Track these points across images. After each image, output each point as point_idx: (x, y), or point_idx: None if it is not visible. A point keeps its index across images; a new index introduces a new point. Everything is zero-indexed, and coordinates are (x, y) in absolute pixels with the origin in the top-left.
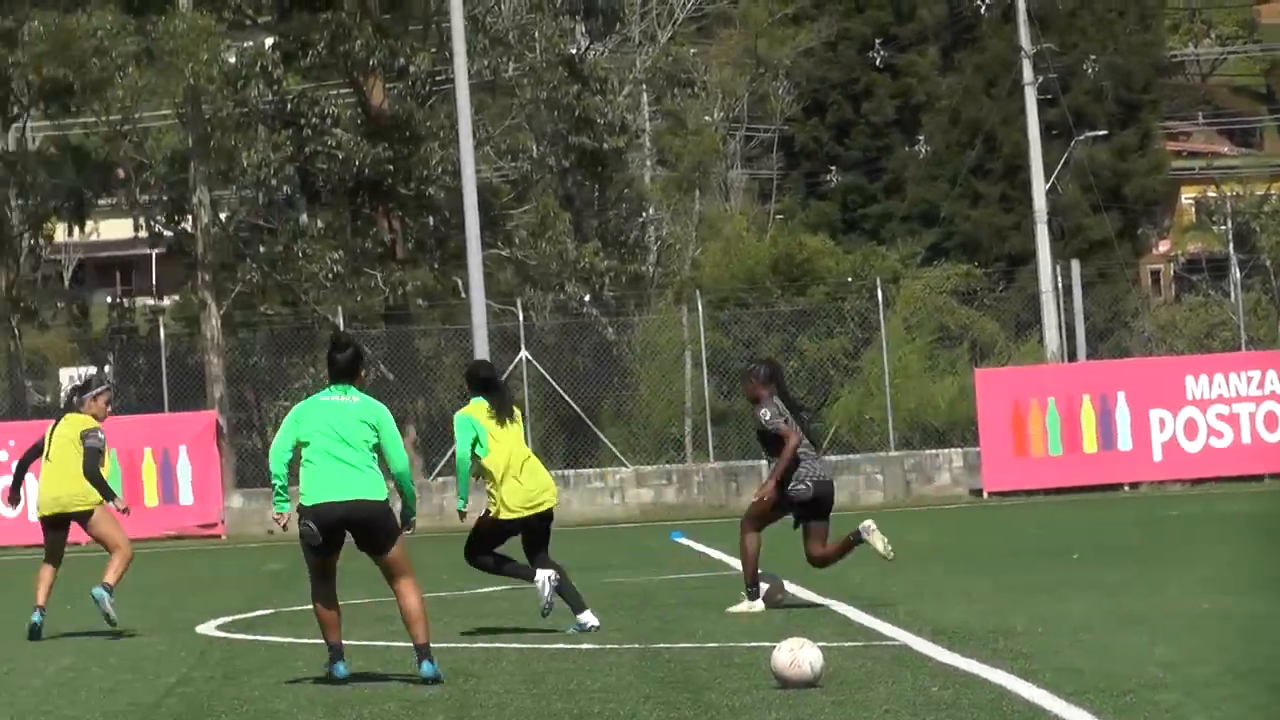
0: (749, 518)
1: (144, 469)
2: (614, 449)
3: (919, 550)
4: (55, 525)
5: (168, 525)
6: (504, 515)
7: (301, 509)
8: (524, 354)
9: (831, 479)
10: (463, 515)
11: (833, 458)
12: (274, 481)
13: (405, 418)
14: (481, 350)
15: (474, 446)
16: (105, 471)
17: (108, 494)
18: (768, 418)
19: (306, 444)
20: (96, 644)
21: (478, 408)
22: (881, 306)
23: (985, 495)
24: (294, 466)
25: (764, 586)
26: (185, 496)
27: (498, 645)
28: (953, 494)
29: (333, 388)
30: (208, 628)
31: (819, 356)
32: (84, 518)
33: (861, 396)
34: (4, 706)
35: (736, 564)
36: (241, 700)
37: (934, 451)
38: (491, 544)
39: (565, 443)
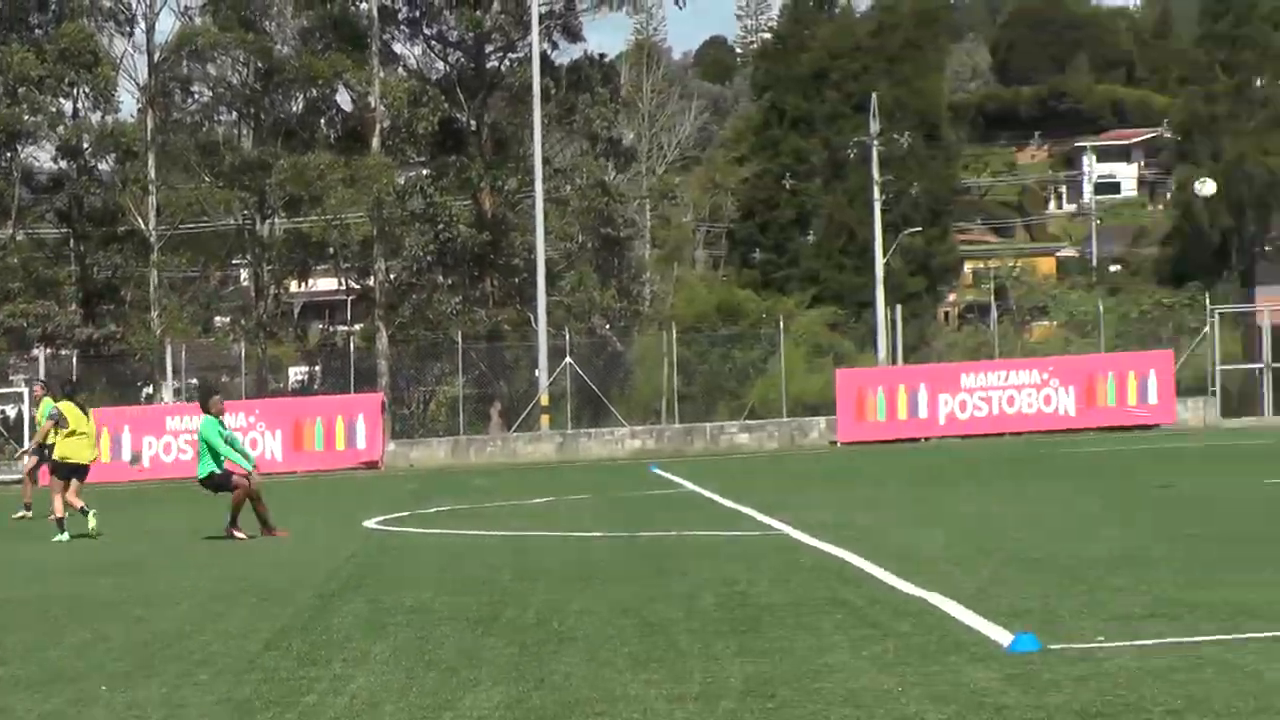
0: None
1: (337, 428)
2: (618, 415)
3: (801, 477)
4: None
5: (350, 462)
6: None
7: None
8: (569, 360)
9: None
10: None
11: (758, 422)
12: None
13: (494, 396)
14: (544, 359)
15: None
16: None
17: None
18: None
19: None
20: (295, 533)
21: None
22: (781, 332)
23: (839, 444)
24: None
25: None
26: (361, 444)
27: None
28: (820, 444)
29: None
30: (371, 524)
31: (744, 361)
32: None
33: (767, 385)
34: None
35: (689, 485)
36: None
37: (809, 418)
38: None
39: (589, 412)
